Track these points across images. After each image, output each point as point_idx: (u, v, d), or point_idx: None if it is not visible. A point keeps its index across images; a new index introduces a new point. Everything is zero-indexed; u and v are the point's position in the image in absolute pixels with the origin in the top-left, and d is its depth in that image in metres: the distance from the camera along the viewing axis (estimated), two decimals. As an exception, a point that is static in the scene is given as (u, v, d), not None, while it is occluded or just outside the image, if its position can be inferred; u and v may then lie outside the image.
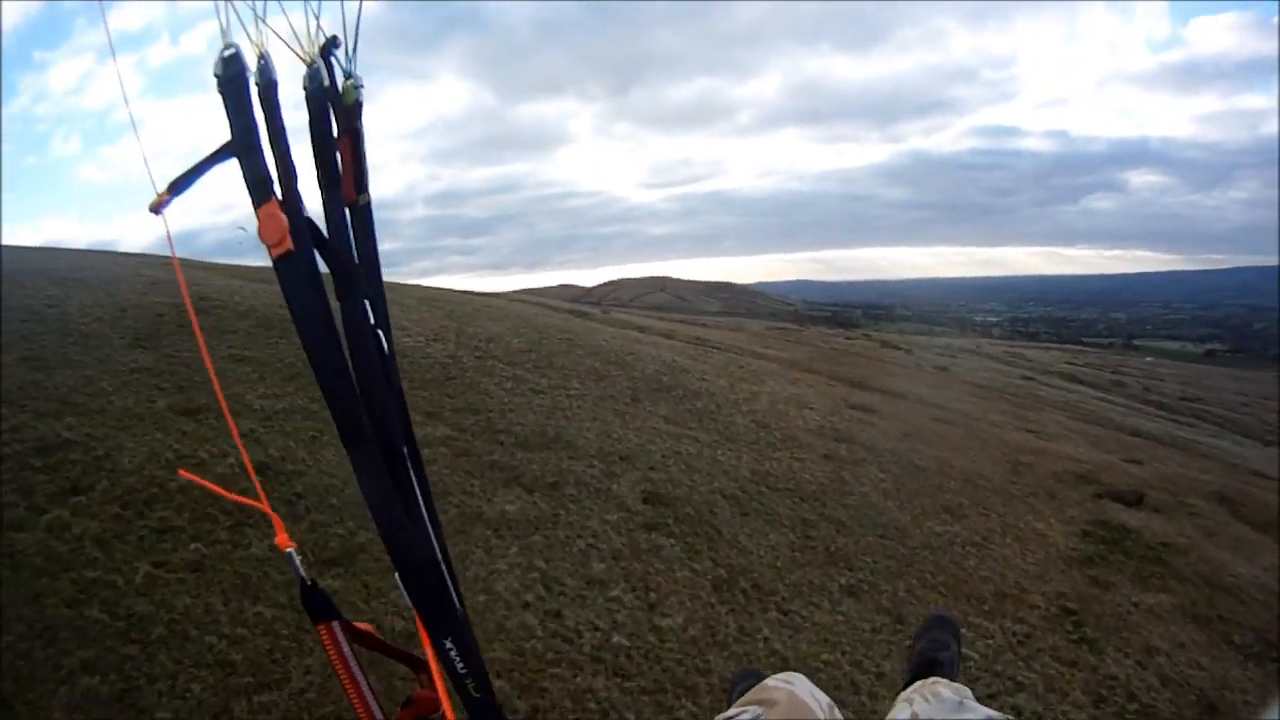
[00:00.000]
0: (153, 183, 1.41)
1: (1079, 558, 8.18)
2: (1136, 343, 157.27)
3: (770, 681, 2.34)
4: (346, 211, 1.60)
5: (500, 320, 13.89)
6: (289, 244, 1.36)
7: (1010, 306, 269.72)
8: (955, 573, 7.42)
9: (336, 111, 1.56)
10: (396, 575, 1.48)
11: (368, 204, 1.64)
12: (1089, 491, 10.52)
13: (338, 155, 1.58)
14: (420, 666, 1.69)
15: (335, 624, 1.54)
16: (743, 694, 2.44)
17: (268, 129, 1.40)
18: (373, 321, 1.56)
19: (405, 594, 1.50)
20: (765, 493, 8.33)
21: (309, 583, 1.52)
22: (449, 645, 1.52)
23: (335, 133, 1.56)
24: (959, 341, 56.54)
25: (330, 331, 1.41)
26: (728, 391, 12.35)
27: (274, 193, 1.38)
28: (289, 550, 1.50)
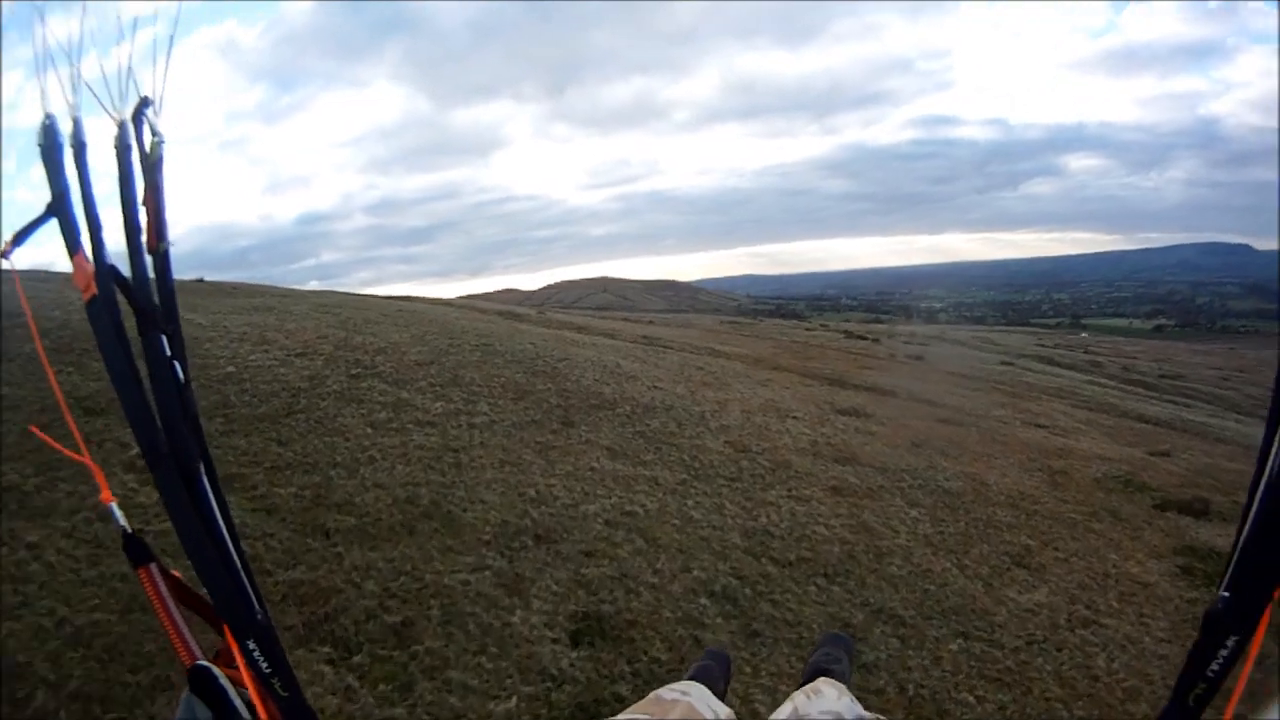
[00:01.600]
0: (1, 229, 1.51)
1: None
2: (1084, 321, 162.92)
3: (664, 692, 2.22)
4: (148, 258, 1.59)
5: (406, 327, 12.03)
6: (95, 289, 1.43)
7: (954, 292, 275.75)
8: (1095, 690, 5.14)
9: (143, 167, 1.57)
10: (202, 585, 1.48)
11: (166, 251, 1.64)
12: (1147, 503, 9.19)
13: (141, 208, 1.58)
14: (214, 619, 1.57)
15: (153, 567, 1.53)
16: (696, 672, 2.84)
17: (80, 187, 1.47)
18: (169, 354, 1.55)
19: (210, 600, 1.49)
20: (774, 577, 6.00)
21: (129, 532, 1.52)
22: (252, 646, 1.46)
23: (141, 186, 1.57)
24: (922, 329, 54.61)
25: (130, 364, 1.43)
26: (689, 402, 10.54)
27: (80, 246, 1.45)
28: (111, 504, 1.53)
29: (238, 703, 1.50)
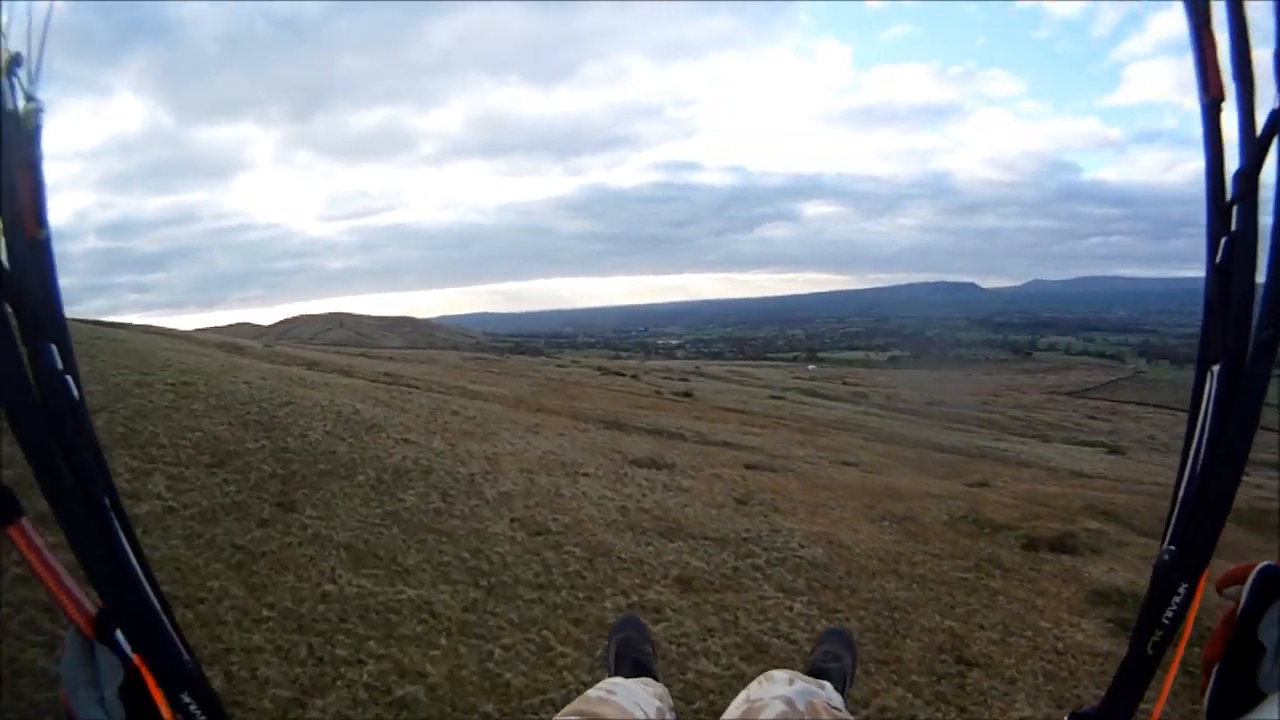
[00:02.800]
0: None
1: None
2: (820, 355, 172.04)
3: (592, 692, 2.18)
4: (26, 249, 1.29)
5: (90, 358, 9.59)
6: None
7: (691, 329, 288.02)
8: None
9: (14, 138, 1.25)
10: (118, 632, 1.24)
11: (48, 239, 1.33)
12: (1013, 544, 8.13)
13: (15, 187, 1.26)
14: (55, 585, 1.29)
15: (24, 521, 1.21)
16: (618, 647, 3.01)
17: None
18: (60, 366, 1.28)
19: (128, 648, 1.24)
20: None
21: None
22: (187, 700, 1.25)
23: (13, 162, 1.25)
24: (676, 364, 54.15)
25: (23, 380, 1.18)
26: (451, 461, 8.41)
27: None
28: None
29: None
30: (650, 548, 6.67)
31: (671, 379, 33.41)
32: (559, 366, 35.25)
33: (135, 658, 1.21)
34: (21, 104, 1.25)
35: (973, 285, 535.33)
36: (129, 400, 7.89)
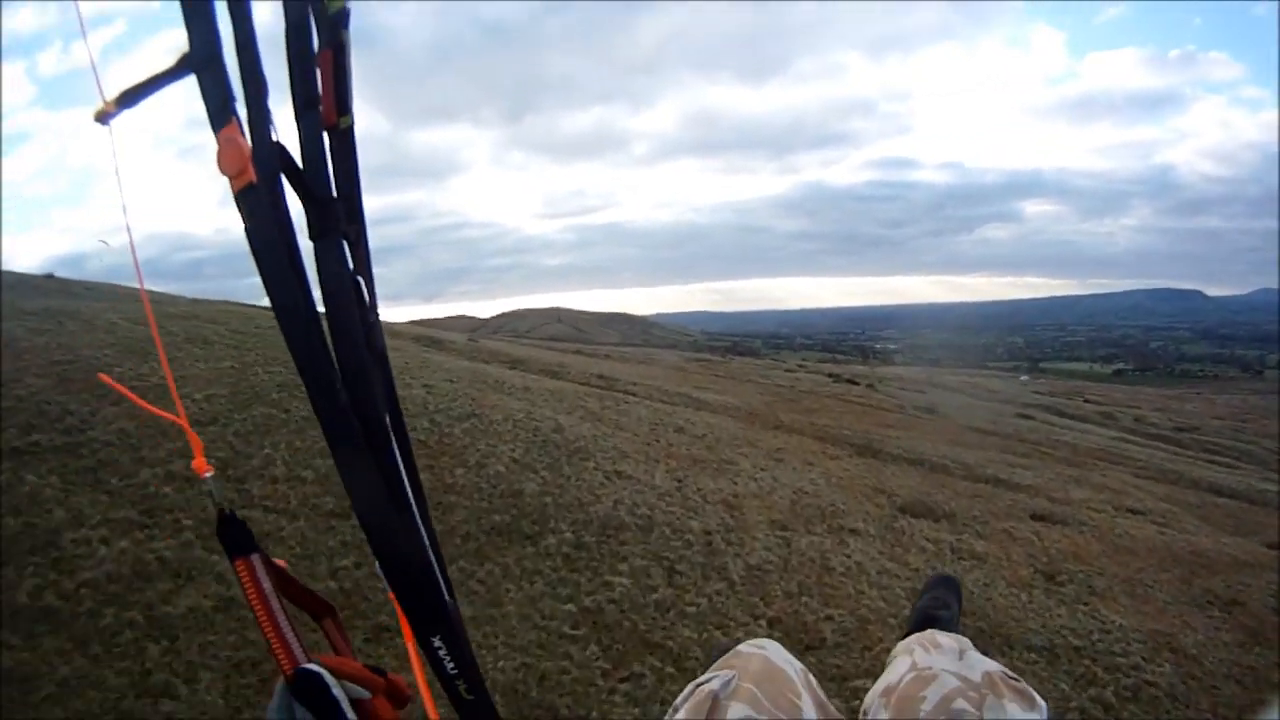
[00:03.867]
0: (100, 89, 1.17)
1: None
2: (1042, 365, 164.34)
3: (743, 647, 2.16)
4: (325, 137, 1.27)
5: (246, 350, 8.59)
6: (251, 174, 1.10)
7: (907, 333, 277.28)
8: None
9: (319, 21, 1.26)
10: (378, 565, 1.24)
11: (350, 128, 1.32)
12: None
13: (317, 71, 1.26)
14: (326, 612, 1.43)
15: (255, 558, 1.24)
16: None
17: (236, 36, 1.13)
18: (350, 266, 1.25)
19: (388, 586, 1.25)
20: None
21: (227, 513, 1.23)
22: (438, 644, 1.26)
23: (316, 46, 1.25)
24: (905, 371, 50.91)
25: (299, 276, 1.15)
26: (679, 508, 6.85)
27: (235, 114, 1.12)
28: (207, 475, 1.24)
29: (351, 715, 1.20)
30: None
31: (908, 390, 30.68)
32: (787, 372, 33.06)
33: (397, 608, 1.23)
34: None
35: (1198, 293, 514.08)
36: (253, 410, 6.72)
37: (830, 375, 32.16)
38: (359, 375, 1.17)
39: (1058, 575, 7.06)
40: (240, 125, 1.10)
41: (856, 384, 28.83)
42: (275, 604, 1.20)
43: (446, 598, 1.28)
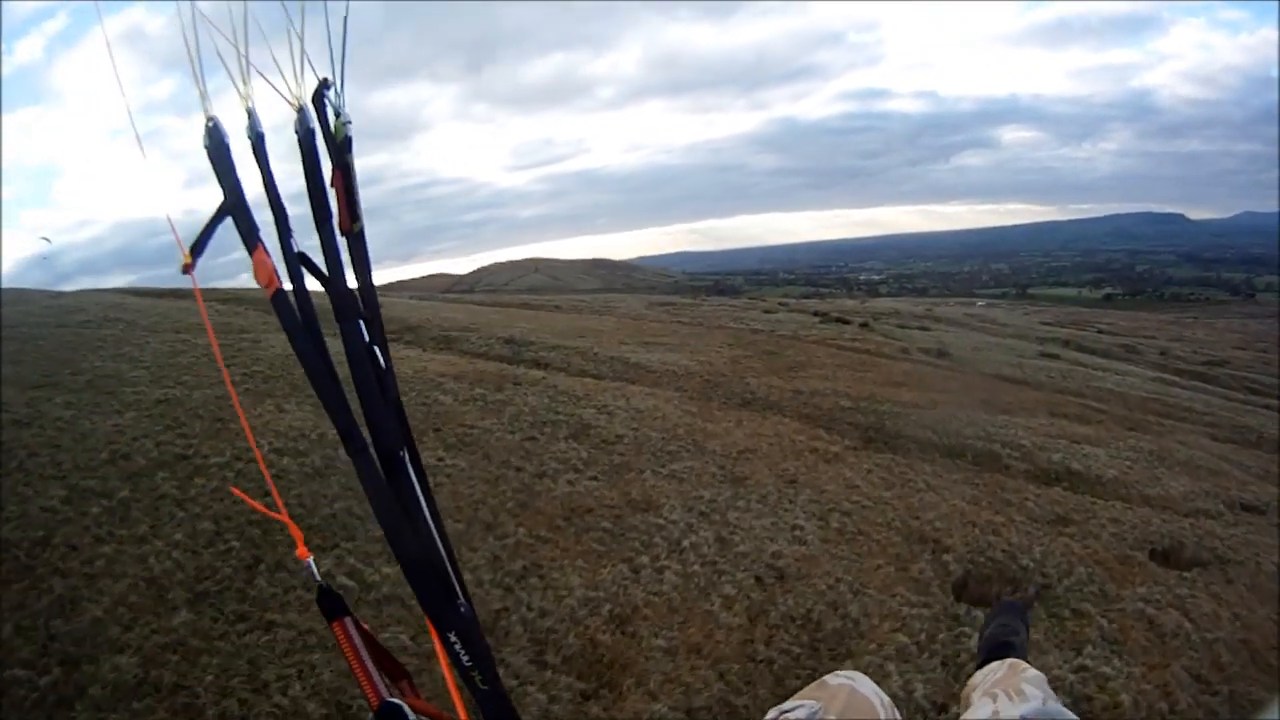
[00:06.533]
0: (180, 244, 1.51)
1: None
2: (1030, 291, 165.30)
3: (830, 678, 2.24)
4: (342, 241, 1.61)
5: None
6: (277, 284, 1.45)
7: (891, 264, 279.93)
8: None
9: (329, 149, 1.58)
10: (403, 573, 1.52)
11: (361, 231, 1.65)
12: None
13: (329, 190, 1.60)
14: (401, 675, 1.68)
15: (348, 621, 1.55)
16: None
17: (262, 178, 1.50)
18: (368, 339, 1.57)
19: (412, 590, 1.52)
20: None
21: (324, 586, 1.56)
22: (454, 639, 1.51)
23: (329, 168, 1.59)
24: (899, 305, 47.52)
25: (322, 353, 1.48)
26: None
27: (259, 240, 1.46)
28: (308, 560, 1.54)
29: None
30: None
31: (908, 327, 26.62)
32: (766, 312, 27.87)
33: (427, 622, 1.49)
34: (332, 120, 1.56)
35: (1180, 216, 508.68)
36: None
37: (817, 314, 27.35)
38: (379, 422, 1.49)
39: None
40: (265, 248, 1.43)
41: (848, 323, 24.41)
42: (364, 654, 1.48)
43: (461, 599, 1.52)
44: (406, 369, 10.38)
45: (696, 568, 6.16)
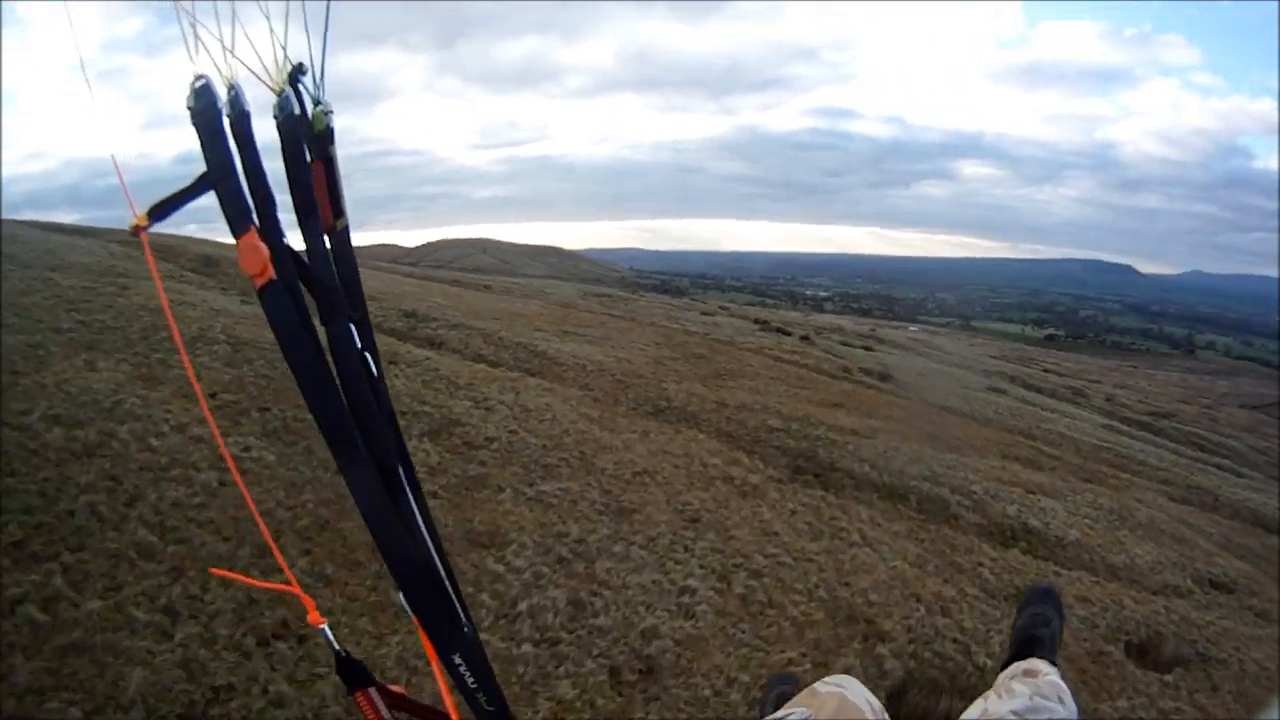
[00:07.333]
0: (131, 205, 1.36)
1: None
2: (974, 324, 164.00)
3: (820, 686, 2.20)
4: (325, 237, 1.48)
5: None
6: (270, 273, 1.31)
7: (839, 282, 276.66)
8: None
9: (308, 139, 1.45)
10: (400, 595, 1.41)
11: (345, 227, 1.53)
12: None
13: (312, 182, 1.47)
14: None
15: (372, 690, 1.47)
16: (776, 699, 2.80)
17: (243, 159, 1.35)
18: (359, 345, 1.45)
19: (410, 612, 1.42)
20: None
21: (343, 654, 1.48)
22: (458, 661, 1.43)
23: (308, 159, 1.46)
24: (844, 322, 48.07)
25: (317, 356, 1.35)
26: None
27: (253, 223, 1.33)
28: (322, 626, 1.47)
29: None
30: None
31: (851, 345, 25.97)
32: (704, 315, 27.59)
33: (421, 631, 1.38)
34: (311, 108, 1.41)
35: (1130, 268, 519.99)
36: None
37: (757, 321, 27.00)
38: (374, 435, 1.33)
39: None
40: (256, 232, 1.28)
41: (789, 334, 24.14)
42: None
43: (464, 621, 1.41)
44: (254, 332, 8.78)
45: (528, 648, 4.61)
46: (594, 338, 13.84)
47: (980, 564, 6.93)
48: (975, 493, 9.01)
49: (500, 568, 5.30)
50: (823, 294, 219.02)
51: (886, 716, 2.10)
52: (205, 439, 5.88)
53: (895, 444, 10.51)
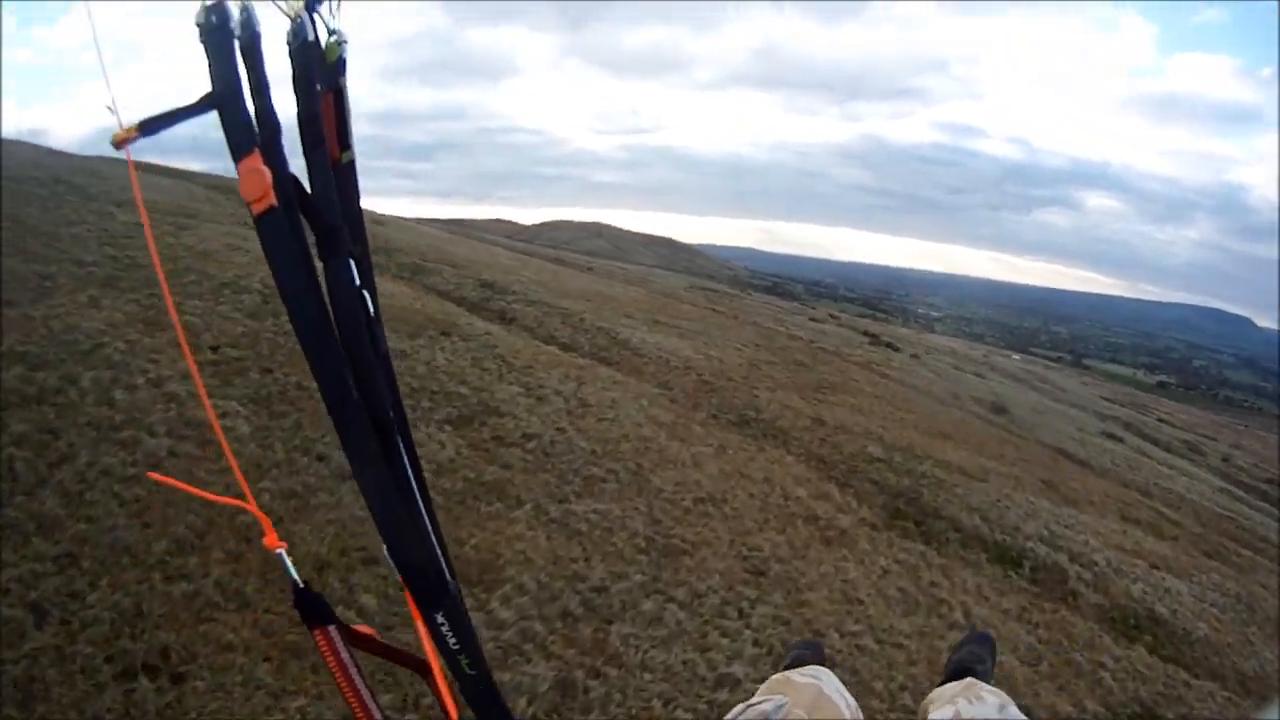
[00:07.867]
0: (118, 118, 1.35)
1: None
2: (1085, 362, 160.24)
3: (795, 675, 2.27)
4: (330, 169, 1.48)
5: None
6: (271, 199, 1.29)
7: (953, 304, 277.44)
8: None
9: (320, 68, 1.47)
10: (384, 547, 1.39)
11: (352, 161, 1.56)
12: None
13: (321, 112, 1.48)
14: (424, 669, 1.55)
15: (332, 628, 1.43)
16: (797, 660, 2.90)
17: (250, 83, 1.34)
18: (357, 282, 1.44)
19: (393, 566, 1.41)
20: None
21: (301, 585, 1.44)
22: (441, 620, 1.41)
23: (319, 89, 1.47)
24: (955, 344, 46.51)
25: (313, 290, 1.34)
26: None
27: (256, 146, 1.31)
28: (279, 551, 1.43)
29: None
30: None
31: (962, 370, 24.72)
32: (813, 320, 26.89)
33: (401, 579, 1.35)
34: (325, 38, 1.41)
35: (1248, 320, 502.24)
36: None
37: (867, 334, 26.22)
38: (367, 378, 1.33)
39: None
40: (260, 156, 1.24)
41: (898, 350, 23.52)
42: (354, 670, 1.37)
43: (449, 578, 1.40)
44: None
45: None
46: (687, 331, 13.15)
47: (1101, 665, 5.86)
48: (1097, 563, 7.98)
49: (478, 616, 4.37)
50: (935, 314, 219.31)
51: (860, 714, 2.18)
52: (179, 398, 5.55)
53: (1009, 491, 9.55)
